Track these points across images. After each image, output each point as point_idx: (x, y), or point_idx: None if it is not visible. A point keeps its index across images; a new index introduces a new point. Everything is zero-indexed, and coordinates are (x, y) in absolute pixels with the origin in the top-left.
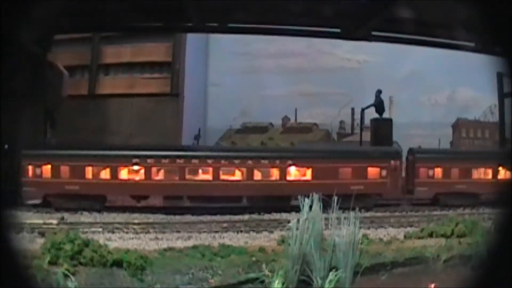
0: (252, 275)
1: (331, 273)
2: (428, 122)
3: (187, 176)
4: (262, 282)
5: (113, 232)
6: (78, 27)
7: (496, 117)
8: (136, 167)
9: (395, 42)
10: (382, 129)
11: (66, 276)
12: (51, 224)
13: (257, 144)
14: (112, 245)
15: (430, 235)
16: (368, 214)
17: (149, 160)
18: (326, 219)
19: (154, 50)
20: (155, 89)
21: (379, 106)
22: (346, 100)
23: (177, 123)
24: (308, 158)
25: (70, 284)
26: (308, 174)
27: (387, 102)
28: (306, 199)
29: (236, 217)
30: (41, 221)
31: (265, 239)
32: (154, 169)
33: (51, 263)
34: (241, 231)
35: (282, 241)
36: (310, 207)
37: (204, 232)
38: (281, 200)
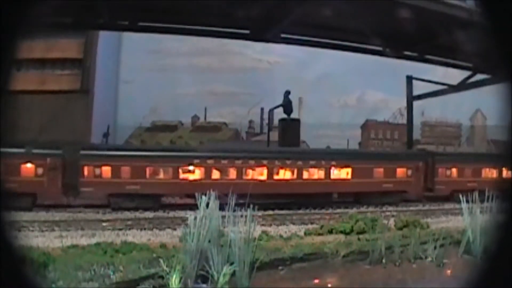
0: (151, 270)
1: (225, 267)
2: (337, 123)
3: None
4: (162, 277)
5: (18, 231)
6: None
7: (406, 118)
8: None
9: (304, 45)
10: (290, 129)
11: None
12: None
13: (167, 143)
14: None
15: (330, 231)
16: (272, 212)
17: None
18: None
19: (66, 47)
20: (65, 85)
21: (287, 106)
22: (256, 100)
23: (87, 121)
24: None
25: None
26: None
27: (297, 103)
28: (203, 197)
29: (141, 215)
30: None
31: (168, 236)
32: None
33: None
34: (145, 229)
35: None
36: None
37: (109, 229)
38: None
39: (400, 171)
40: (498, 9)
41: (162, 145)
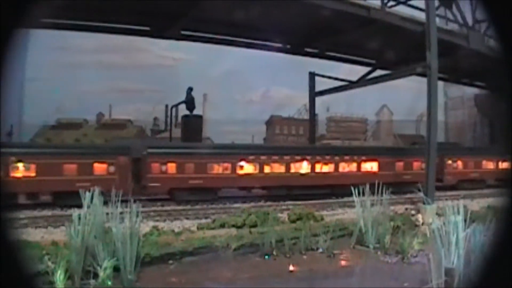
0: (40, 267)
1: (105, 261)
2: (243, 119)
3: None
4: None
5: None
6: None
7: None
8: None
9: (205, 42)
10: (192, 125)
11: None
12: None
13: (72, 141)
14: None
15: (222, 225)
16: (169, 207)
17: None
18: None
19: None
20: None
21: (189, 103)
22: (161, 97)
23: None
24: None
25: None
26: None
27: (201, 100)
28: (87, 193)
29: (39, 213)
30: None
31: (62, 234)
32: None
33: None
34: (40, 227)
35: None
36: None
37: None
38: None
39: (99, 168)
40: (498, 9)
41: None
